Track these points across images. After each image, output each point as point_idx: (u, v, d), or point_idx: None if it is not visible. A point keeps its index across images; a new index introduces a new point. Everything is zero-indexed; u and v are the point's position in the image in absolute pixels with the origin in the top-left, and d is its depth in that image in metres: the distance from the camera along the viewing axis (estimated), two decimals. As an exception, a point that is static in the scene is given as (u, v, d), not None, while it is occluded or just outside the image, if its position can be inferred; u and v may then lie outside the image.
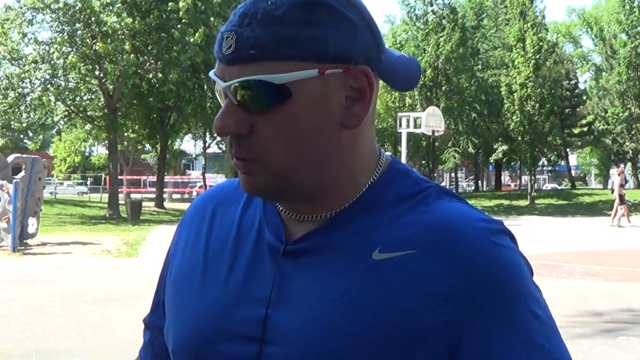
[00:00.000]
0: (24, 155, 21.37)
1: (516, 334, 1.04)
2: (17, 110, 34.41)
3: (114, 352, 7.84)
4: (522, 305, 1.06)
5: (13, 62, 34.17)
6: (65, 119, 39.23)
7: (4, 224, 17.93)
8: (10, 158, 20.35)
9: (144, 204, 37.68)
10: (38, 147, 53.47)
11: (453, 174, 69.11)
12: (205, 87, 36.70)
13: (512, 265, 1.08)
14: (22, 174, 19.50)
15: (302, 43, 1.04)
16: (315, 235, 1.12)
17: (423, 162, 52.46)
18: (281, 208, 1.17)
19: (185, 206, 48.35)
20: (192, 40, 31.85)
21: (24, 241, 19.32)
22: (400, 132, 34.25)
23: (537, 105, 45.96)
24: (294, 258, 1.11)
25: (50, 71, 33.49)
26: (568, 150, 65.12)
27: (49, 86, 34.02)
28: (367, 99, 1.09)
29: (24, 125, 36.96)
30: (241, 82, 1.05)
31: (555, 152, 58.64)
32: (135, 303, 10.61)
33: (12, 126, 37.30)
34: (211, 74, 1.11)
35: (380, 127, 49.79)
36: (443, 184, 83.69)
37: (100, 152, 75.57)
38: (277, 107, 1.05)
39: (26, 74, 33.45)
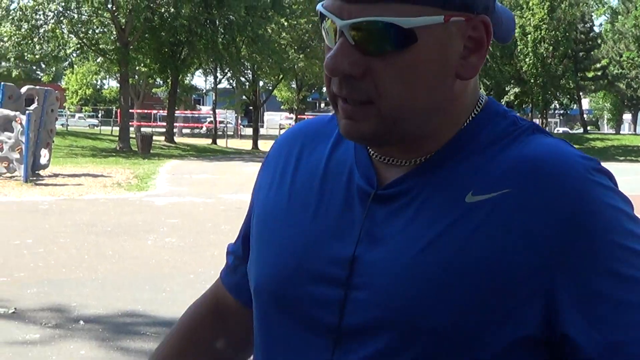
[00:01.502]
0: (37, 87, 21.39)
1: (612, 280, 0.96)
2: (30, 42, 34.37)
3: (124, 283, 8.03)
4: (622, 249, 0.97)
5: (26, -7, 34.03)
6: (78, 52, 39.15)
7: (16, 154, 18.07)
8: (23, 89, 20.37)
9: (154, 137, 37.84)
10: (51, 79, 53.39)
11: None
12: (217, 22, 36.52)
13: (612, 207, 0.99)
14: (34, 105, 19.56)
15: None
16: (406, 180, 1.07)
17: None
18: (372, 152, 1.13)
19: (195, 141, 48.50)
20: (205, -26, 31.57)
21: (36, 172, 19.46)
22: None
23: (551, 47, 45.69)
24: (385, 203, 1.07)
25: (63, 3, 33.40)
26: (581, 94, 64.73)
27: (62, 18, 33.91)
28: (484, 49, 1.06)
29: (37, 57, 36.91)
30: (367, 22, 0.99)
31: (568, 96, 58.30)
32: (145, 235, 10.81)
33: (25, 58, 37.27)
34: (320, 7, 1.05)
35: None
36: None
37: (111, 85, 75.48)
38: (399, 51, 1.00)
39: (39, 6, 33.36)
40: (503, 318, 0.97)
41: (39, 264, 8.90)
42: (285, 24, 45.17)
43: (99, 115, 69.44)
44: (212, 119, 53.45)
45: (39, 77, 50.98)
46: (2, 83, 20.78)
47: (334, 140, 1.19)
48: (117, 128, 40.48)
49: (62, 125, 49.24)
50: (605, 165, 1.06)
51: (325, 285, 1.05)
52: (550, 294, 0.96)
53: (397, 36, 0.98)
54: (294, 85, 64.65)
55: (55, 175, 20.42)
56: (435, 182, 1.05)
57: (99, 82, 75.11)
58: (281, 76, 54.84)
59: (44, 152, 19.92)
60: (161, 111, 57.91)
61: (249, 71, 48.75)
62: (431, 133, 1.06)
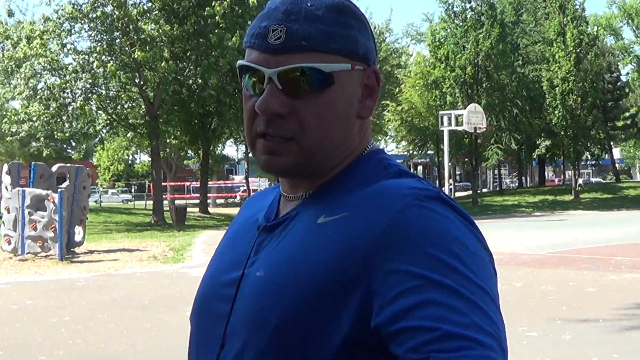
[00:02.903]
0: (68, 165, 21.59)
1: (420, 281, 1.07)
2: (59, 120, 34.77)
3: (164, 356, 7.90)
4: (434, 258, 1.08)
5: (54, 72, 34.50)
6: (107, 128, 39.60)
7: (50, 233, 18.12)
8: (54, 168, 20.54)
9: (188, 209, 37.95)
10: (81, 156, 53.86)
11: (496, 171, 68.56)
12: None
13: (433, 226, 1.12)
14: (66, 183, 19.69)
15: (343, 40, 1.23)
16: (290, 212, 1.29)
17: (466, 159, 52.13)
18: (283, 193, 1.34)
19: (229, 211, 48.59)
20: (230, 44, 31.78)
21: (71, 250, 19.50)
22: (442, 130, 34.15)
23: (579, 99, 45.47)
24: (271, 231, 1.28)
25: (90, 80, 33.86)
26: (612, 143, 64.32)
27: (90, 95, 34.37)
28: (376, 95, 1.29)
29: (67, 134, 37.37)
30: (293, 68, 1.20)
31: (599, 146, 57.90)
32: (183, 307, 10.68)
33: (55, 136, 37.77)
34: (243, 62, 1.26)
35: (421, 125, 49.56)
36: (486, 180, 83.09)
37: (143, 159, 76.25)
38: (318, 93, 1.21)
39: (67, 84, 33.80)
40: (328, 319, 1.12)
41: (78, 340, 8.82)
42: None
43: (132, 190, 69.94)
44: (245, 187, 53.57)
45: (70, 154, 51.60)
46: (33, 163, 21.02)
47: (265, 197, 1.43)
48: (151, 202, 40.68)
49: (95, 201, 49.59)
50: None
51: (221, 302, 1.27)
52: (368, 296, 1.10)
53: (318, 79, 1.21)
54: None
55: (91, 252, 20.45)
56: (307, 210, 1.25)
57: (130, 157, 75.99)
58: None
59: (78, 230, 19.98)
60: (194, 183, 58.25)
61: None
62: (334, 166, 1.27)
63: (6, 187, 19.01)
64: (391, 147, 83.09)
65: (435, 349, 1.02)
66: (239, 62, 1.28)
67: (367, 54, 1.26)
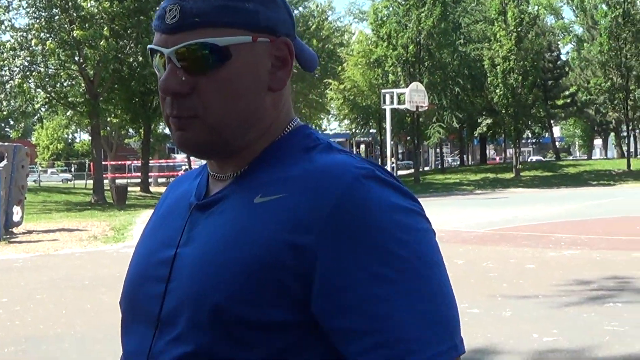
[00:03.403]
0: (6, 144, 21.21)
1: (363, 274, 1.09)
2: (-4, 98, 34.12)
3: (104, 337, 7.81)
4: (379, 248, 1.10)
5: (-9, 49, 33.81)
6: (47, 106, 38.99)
7: (-12, 213, 17.82)
8: (-8, 146, 20.20)
9: (129, 188, 37.57)
10: (20, 135, 52.99)
11: (438, 149, 69.18)
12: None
13: (374, 210, 1.12)
14: (4, 162, 19.33)
15: (239, 13, 1.21)
16: (224, 190, 1.27)
17: (408, 138, 52.49)
18: (210, 172, 1.33)
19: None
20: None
21: (10, 230, 19.23)
22: (385, 109, 34.26)
23: (520, 78, 46.07)
24: (203, 211, 1.26)
25: (29, 58, 33.25)
26: (552, 122, 65.36)
27: (28, 73, 33.74)
28: (289, 66, 1.27)
29: (5, 113, 36.70)
30: (188, 45, 1.20)
31: (539, 124, 58.71)
32: (124, 287, 10.58)
33: (-7, 114, 37.03)
34: (150, 46, 1.26)
35: (364, 104, 49.71)
36: (428, 159, 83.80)
37: (83, 138, 75.24)
38: (218, 68, 1.20)
39: (5, 61, 33.16)
40: (267, 300, 1.12)
41: (16, 322, 8.68)
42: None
43: (72, 169, 68.97)
44: (187, 166, 53.21)
45: (8, 133, 50.70)
46: (-29, 141, 20.58)
47: (193, 178, 1.40)
48: (91, 181, 40.20)
49: (34, 181, 48.84)
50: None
51: (154, 283, 1.24)
52: (308, 281, 1.11)
53: (215, 54, 1.20)
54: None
55: (30, 232, 20.14)
56: (241, 189, 1.24)
57: (70, 136, 74.90)
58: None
59: (17, 209, 19.67)
60: (135, 162, 57.66)
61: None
62: (250, 143, 1.25)
63: (-58, 167, 18.62)
64: (334, 125, 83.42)
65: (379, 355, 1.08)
66: (148, 47, 1.28)
67: (273, 25, 1.24)
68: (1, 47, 33.48)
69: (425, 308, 1.09)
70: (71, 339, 7.72)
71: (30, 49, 32.89)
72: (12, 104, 35.13)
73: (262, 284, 1.12)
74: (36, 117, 48.45)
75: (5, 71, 33.89)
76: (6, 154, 19.64)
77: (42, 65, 34.50)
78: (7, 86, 33.87)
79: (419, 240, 1.14)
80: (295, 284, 1.11)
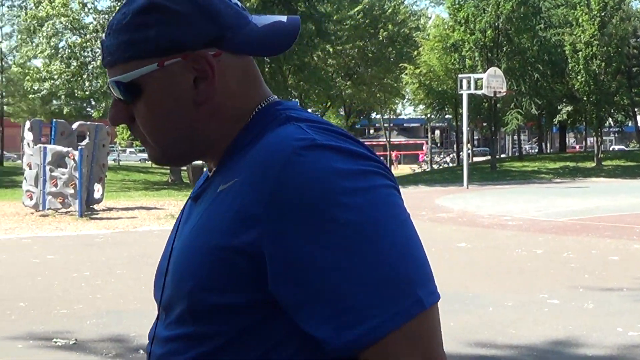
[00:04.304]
0: (88, 123, 21.66)
1: (311, 247, 1.10)
2: (79, 78, 34.89)
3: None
4: (322, 220, 1.11)
5: (74, 31, 34.50)
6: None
7: (70, 189, 18.21)
8: (74, 126, 20.65)
9: (205, 169, 37.94)
10: (101, 114, 53.89)
11: (516, 136, 68.14)
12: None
13: (314, 185, 1.12)
14: (86, 140, 19.78)
15: (138, 44, 1.23)
16: (206, 181, 1.34)
17: (484, 124, 51.80)
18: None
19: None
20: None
21: (91, 206, 19.66)
22: (461, 94, 33.86)
23: (603, 64, 44.96)
24: (194, 202, 1.35)
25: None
26: (636, 110, 63.66)
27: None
28: (211, 77, 1.24)
29: (87, 93, 37.40)
30: (109, 84, 1.28)
31: (623, 113, 57.31)
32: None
33: (76, 94, 37.75)
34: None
35: (440, 89, 49.19)
36: (505, 146, 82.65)
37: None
38: (137, 100, 1.25)
39: (87, 43, 33.79)
40: (229, 285, 1.16)
41: (97, 295, 8.85)
42: (331, 50, 45.22)
43: (150, 149, 69.85)
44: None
45: (90, 113, 51.55)
46: (54, 120, 21.08)
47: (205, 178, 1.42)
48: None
49: (113, 160, 49.77)
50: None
51: (160, 276, 1.35)
52: (262, 263, 1.13)
53: (126, 90, 1.25)
54: (342, 112, 64.69)
55: (110, 209, 20.55)
56: (216, 178, 1.29)
57: (149, 117, 76.06)
58: (329, 103, 54.75)
59: (98, 187, 20.07)
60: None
61: (296, 100, 48.85)
62: (210, 146, 1.29)
63: (28, 144, 19.13)
64: (409, 110, 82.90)
65: (334, 326, 1.10)
66: None
67: (182, 43, 1.23)
68: (84, 29, 34.10)
69: (375, 271, 1.10)
70: (150, 314, 7.80)
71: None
72: (94, 84, 35.79)
73: (223, 269, 1.16)
74: (117, 98, 49.27)
75: (88, 52, 34.57)
76: (88, 133, 20.09)
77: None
78: (90, 67, 34.59)
79: (370, 200, 1.13)
80: (249, 266, 1.15)
